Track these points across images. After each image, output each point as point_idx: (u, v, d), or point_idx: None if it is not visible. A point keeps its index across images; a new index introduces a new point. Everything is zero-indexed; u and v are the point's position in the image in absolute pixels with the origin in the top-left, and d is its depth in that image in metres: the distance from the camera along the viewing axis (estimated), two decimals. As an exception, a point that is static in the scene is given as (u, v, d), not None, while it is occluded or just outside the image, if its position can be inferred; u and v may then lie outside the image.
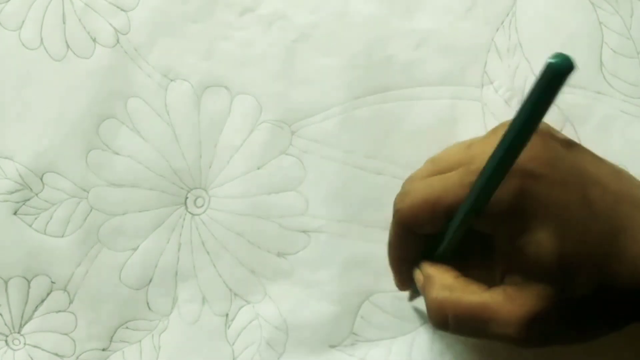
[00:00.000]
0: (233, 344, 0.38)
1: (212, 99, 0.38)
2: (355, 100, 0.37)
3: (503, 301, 0.29)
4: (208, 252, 0.38)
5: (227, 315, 0.38)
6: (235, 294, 0.38)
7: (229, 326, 0.38)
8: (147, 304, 0.38)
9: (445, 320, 0.31)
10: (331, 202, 0.37)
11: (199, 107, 0.38)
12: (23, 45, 0.38)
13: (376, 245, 0.37)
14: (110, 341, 0.38)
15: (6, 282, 0.38)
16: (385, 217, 0.35)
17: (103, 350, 0.38)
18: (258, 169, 0.38)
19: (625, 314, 0.30)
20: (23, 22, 0.38)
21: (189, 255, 0.38)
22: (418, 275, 0.33)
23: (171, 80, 0.38)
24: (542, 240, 0.28)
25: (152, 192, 0.38)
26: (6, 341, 0.38)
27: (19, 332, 0.38)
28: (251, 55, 0.38)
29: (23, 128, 0.38)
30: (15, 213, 0.38)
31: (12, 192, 0.38)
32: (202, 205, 0.38)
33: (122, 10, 0.38)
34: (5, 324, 0.38)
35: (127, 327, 0.38)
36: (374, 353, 0.37)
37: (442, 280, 0.32)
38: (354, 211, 0.37)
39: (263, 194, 0.38)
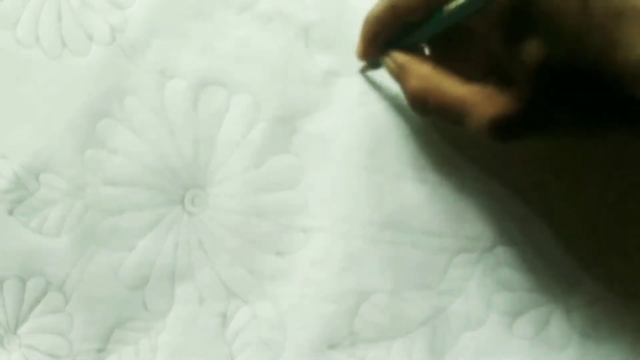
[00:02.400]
0: (231, 344, 0.38)
1: (210, 97, 0.37)
2: (355, 98, 0.37)
3: (480, 98, 0.30)
4: (205, 252, 0.38)
5: (225, 315, 0.38)
6: (233, 294, 0.38)
7: (227, 326, 0.38)
8: (144, 304, 0.38)
9: (425, 108, 0.33)
10: (330, 201, 0.37)
11: (197, 106, 0.37)
12: (18, 43, 0.37)
13: (376, 244, 0.37)
14: (107, 342, 0.38)
15: (1, 283, 0.38)
16: (385, 215, 0.35)
17: (99, 351, 0.38)
18: (256, 167, 0.37)
19: (606, 125, 0.30)
20: (19, 19, 0.37)
21: (186, 254, 0.38)
22: (390, 63, 0.34)
23: (168, 79, 0.37)
24: (532, 47, 0.28)
25: (149, 191, 0.38)
26: (1, 342, 0.38)
27: (14, 333, 0.38)
28: (249, 53, 0.37)
29: (19, 127, 0.38)
30: (10, 213, 0.38)
31: (7, 192, 0.38)
32: (200, 205, 0.38)
33: (118, 8, 0.37)
34: (1, 325, 0.38)
35: (123, 328, 0.38)
36: (373, 353, 0.37)
37: (419, 70, 0.33)
38: (354, 210, 0.37)
39: (261, 192, 0.37)
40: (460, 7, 0.30)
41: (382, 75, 0.37)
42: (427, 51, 0.35)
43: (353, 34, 0.37)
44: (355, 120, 0.37)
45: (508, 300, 0.37)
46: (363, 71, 0.37)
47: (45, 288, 0.38)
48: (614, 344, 0.37)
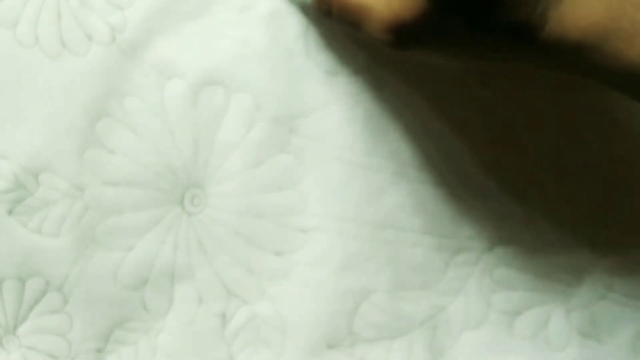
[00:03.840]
0: (231, 344, 0.38)
1: (209, 97, 0.37)
2: (354, 97, 0.37)
3: (381, 4, 0.31)
4: (205, 252, 0.38)
5: (224, 315, 0.38)
6: (233, 294, 0.38)
7: (227, 326, 0.38)
8: (144, 304, 0.38)
9: (328, 10, 0.34)
10: (330, 200, 0.37)
11: (196, 106, 0.37)
12: (18, 43, 0.37)
13: (375, 243, 0.37)
14: (106, 342, 0.38)
15: (1, 283, 0.38)
16: (384, 215, 0.35)
17: (99, 351, 0.38)
18: (256, 167, 0.37)
19: (503, 44, 0.30)
20: (18, 20, 0.37)
21: (185, 254, 0.38)
22: None
23: (168, 79, 0.37)
24: None
25: (148, 191, 0.38)
26: (1, 342, 0.38)
27: (13, 334, 0.38)
28: (249, 53, 0.37)
29: (18, 127, 0.38)
30: (10, 213, 0.38)
31: (6, 192, 0.37)
32: (199, 204, 0.38)
33: (118, 8, 0.37)
34: (0, 325, 0.38)
35: (123, 328, 0.38)
36: (372, 353, 0.37)
37: None
38: (353, 209, 0.37)
39: (261, 192, 0.37)
40: None
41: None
42: None
43: (353, 34, 0.37)
44: (355, 119, 0.37)
45: (508, 300, 0.38)
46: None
47: (44, 288, 0.38)
48: (614, 344, 0.37)
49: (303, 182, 0.37)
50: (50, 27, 0.37)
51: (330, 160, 0.37)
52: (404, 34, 0.30)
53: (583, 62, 0.29)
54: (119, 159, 0.37)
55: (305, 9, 0.37)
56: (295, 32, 0.37)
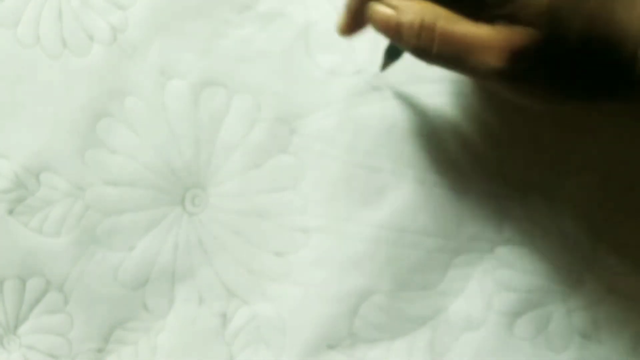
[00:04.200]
0: (231, 344, 0.38)
1: (210, 97, 0.37)
2: (355, 98, 0.37)
3: (490, 33, 0.30)
4: (205, 252, 0.38)
5: (224, 315, 0.38)
6: (233, 294, 0.38)
7: (227, 326, 0.38)
8: (144, 304, 0.38)
9: (430, 45, 0.30)
10: (330, 201, 0.37)
11: (197, 106, 0.37)
12: (19, 43, 0.38)
13: (376, 244, 0.37)
14: (107, 342, 0.38)
15: (1, 283, 0.38)
16: (385, 216, 0.35)
17: (99, 351, 0.38)
18: (256, 167, 0.37)
19: (608, 82, 0.30)
20: (19, 19, 0.37)
21: (186, 255, 0.38)
22: (377, 12, 0.31)
23: (168, 79, 0.37)
24: None
25: (149, 191, 0.38)
26: (1, 342, 0.38)
27: (14, 333, 0.38)
28: (249, 53, 0.37)
29: (19, 127, 0.38)
30: (10, 213, 0.38)
31: (7, 192, 0.37)
32: (200, 205, 0.38)
33: (119, 7, 0.38)
34: (0, 325, 0.38)
35: (123, 328, 0.38)
36: (372, 354, 0.37)
37: (419, 6, 0.31)
38: (353, 210, 0.37)
39: (261, 193, 0.37)
40: None
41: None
42: None
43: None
44: (355, 120, 0.37)
45: (508, 300, 0.37)
46: (384, 67, 0.36)
47: (45, 288, 0.38)
48: (614, 345, 0.37)
49: (303, 182, 0.37)
50: (51, 27, 0.38)
51: (330, 160, 0.37)
52: (519, 61, 0.29)
53: None
54: (120, 158, 0.37)
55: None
56: (295, 32, 0.37)
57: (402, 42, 0.31)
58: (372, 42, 0.36)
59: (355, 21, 0.33)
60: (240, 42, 0.37)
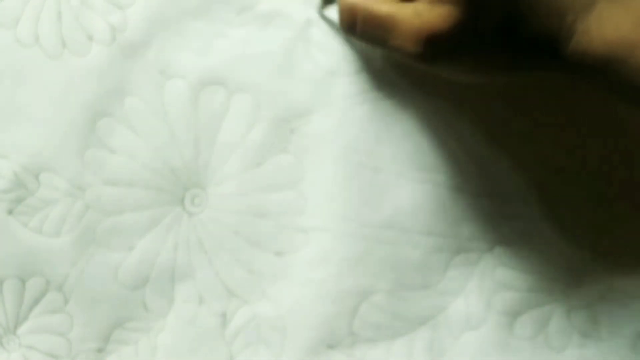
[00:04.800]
0: (231, 344, 0.38)
1: (210, 97, 0.37)
2: (355, 98, 0.37)
3: (410, 15, 0.30)
4: (205, 252, 0.38)
5: (224, 315, 0.38)
6: (233, 294, 0.38)
7: (227, 326, 0.38)
8: (144, 304, 0.38)
9: (353, 23, 0.32)
10: (330, 200, 0.37)
11: (197, 106, 0.37)
12: (19, 42, 0.37)
13: (375, 244, 0.37)
14: (107, 342, 0.38)
15: (1, 283, 0.38)
16: (385, 215, 0.35)
17: (99, 351, 0.38)
18: (256, 167, 0.37)
19: (531, 56, 0.30)
20: (19, 19, 0.37)
21: (186, 254, 0.38)
22: None
23: (168, 79, 0.37)
24: None
25: (148, 191, 0.38)
26: (1, 342, 0.38)
27: (14, 333, 0.38)
28: (249, 53, 0.37)
29: (19, 127, 0.38)
30: (10, 213, 0.38)
31: (7, 192, 0.37)
32: (200, 204, 0.38)
33: (118, 7, 0.37)
34: (0, 325, 0.38)
35: (123, 328, 0.38)
36: (372, 353, 0.37)
37: None
38: (353, 210, 0.37)
39: (261, 192, 0.37)
40: None
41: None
42: None
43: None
44: (355, 119, 0.37)
45: (508, 300, 0.37)
46: (321, 9, 0.37)
47: (44, 288, 0.38)
48: (614, 344, 0.37)
49: (303, 182, 0.37)
50: (50, 27, 0.37)
51: (330, 160, 0.37)
52: (436, 46, 0.30)
53: (608, 76, 0.29)
54: (120, 158, 0.37)
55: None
56: (295, 32, 0.37)
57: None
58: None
59: None
60: (240, 42, 0.37)
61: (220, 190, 0.37)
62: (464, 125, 0.37)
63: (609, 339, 0.38)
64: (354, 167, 0.37)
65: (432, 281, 0.37)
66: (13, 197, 0.38)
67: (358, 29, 0.33)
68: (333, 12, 0.37)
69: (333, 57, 0.37)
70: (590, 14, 0.28)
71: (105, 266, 0.38)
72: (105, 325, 0.38)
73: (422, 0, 0.30)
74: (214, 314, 0.38)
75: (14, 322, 0.38)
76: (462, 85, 0.37)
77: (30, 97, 0.38)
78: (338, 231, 0.37)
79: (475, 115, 0.37)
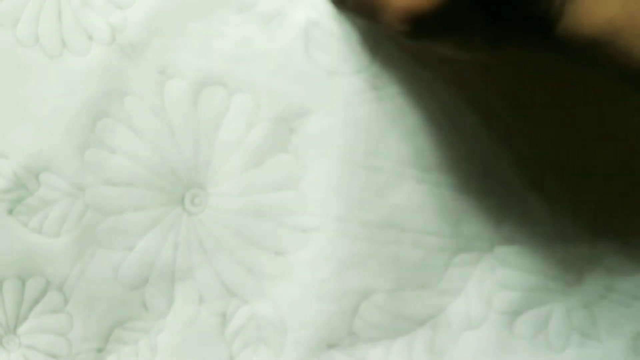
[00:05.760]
0: (231, 344, 0.38)
1: (210, 97, 0.37)
2: (355, 98, 0.37)
3: None
4: (205, 252, 0.38)
5: (224, 315, 0.38)
6: (233, 294, 0.38)
7: (227, 326, 0.38)
8: (144, 304, 0.38)
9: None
10: (330, 200, 0.37)
11: (197, 106, 0.37)
12: (18, 42, 0.37)
13: (375, 244, 0.37)
14: (106, 342, 0.38)
15: (1, 283, 0.38)
16: (385, 215, 0.35)
17: (99, 351, 0.38)
18: (256, 167, 0.37)
19: (519, 35, 0.30)
20: (18, 19, 0.37)
21: (186, 254, 0.38)
22: None
23: (168, 79, 0.37)
24: None
25: (148, 191, 0.38)
26: (1, 342, 0.38)
27: (13, 333, 0.38)
28: (249, 53, 0.37)
29: (18, 126, 0.37)
30: (10, 213, 0.38)
31: (7, 192, 0.37)
32: (200, 204, 0.38)
33: (118, 7, 0.37)
34: (0, 325, 0.38)
35: (123, 328, 0.38)
36: (373, 353, 0.37)
37: None
38: (353, 210, 0.37)
39: (261, 192, 0.37)
40: None
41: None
42: None
43: (353, 34, 0.37)
44: (355, 119, 0.37)
45: (508, 300, 0.37)
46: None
47: (44, 288, 0.38)
48: (614, 343, 0.37)
49: (303, 182, 0.37)
50: (50, 27, 0.37)
51: (330, 160, 0.37)
52: (422, 24, 0.29)
53: (596, 58, 0.29)
54: (120, 158, 0.37)
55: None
56: (295, 32, 0.37)
57: None
58: (372, 41, 0.36)
59: None
60: (240, 42, 0.37)
61: (220, 190, 0.37)
62: (464, 125, 0.37)
63: (608, 339, 0.38)
64: (353, 167, 0.37)
65: (432, 281, 0.37)
66: (13, 197, 0.38)
67: (348, 4, 0.33)
68: None
69: (333, 57, 0.37)
70: None
71: (105, 266, 0.38)
72: (105, 325, 0.38)
73: None
74: (213, 314, 0.38)
75: (14, 321, 0.38)
76: (463, 86, 0.37)
77: (30, 96, 0.37)
78: (338, 231, 0.37)
79: (476, 116, 0.37)
